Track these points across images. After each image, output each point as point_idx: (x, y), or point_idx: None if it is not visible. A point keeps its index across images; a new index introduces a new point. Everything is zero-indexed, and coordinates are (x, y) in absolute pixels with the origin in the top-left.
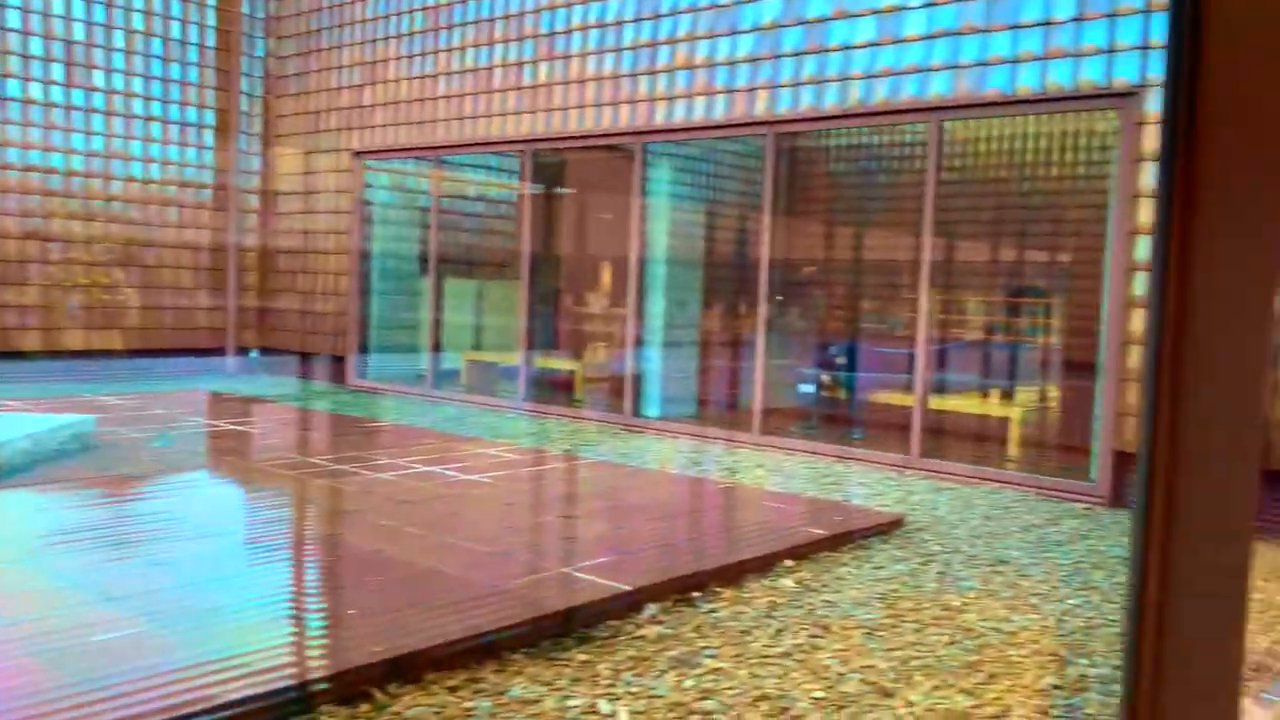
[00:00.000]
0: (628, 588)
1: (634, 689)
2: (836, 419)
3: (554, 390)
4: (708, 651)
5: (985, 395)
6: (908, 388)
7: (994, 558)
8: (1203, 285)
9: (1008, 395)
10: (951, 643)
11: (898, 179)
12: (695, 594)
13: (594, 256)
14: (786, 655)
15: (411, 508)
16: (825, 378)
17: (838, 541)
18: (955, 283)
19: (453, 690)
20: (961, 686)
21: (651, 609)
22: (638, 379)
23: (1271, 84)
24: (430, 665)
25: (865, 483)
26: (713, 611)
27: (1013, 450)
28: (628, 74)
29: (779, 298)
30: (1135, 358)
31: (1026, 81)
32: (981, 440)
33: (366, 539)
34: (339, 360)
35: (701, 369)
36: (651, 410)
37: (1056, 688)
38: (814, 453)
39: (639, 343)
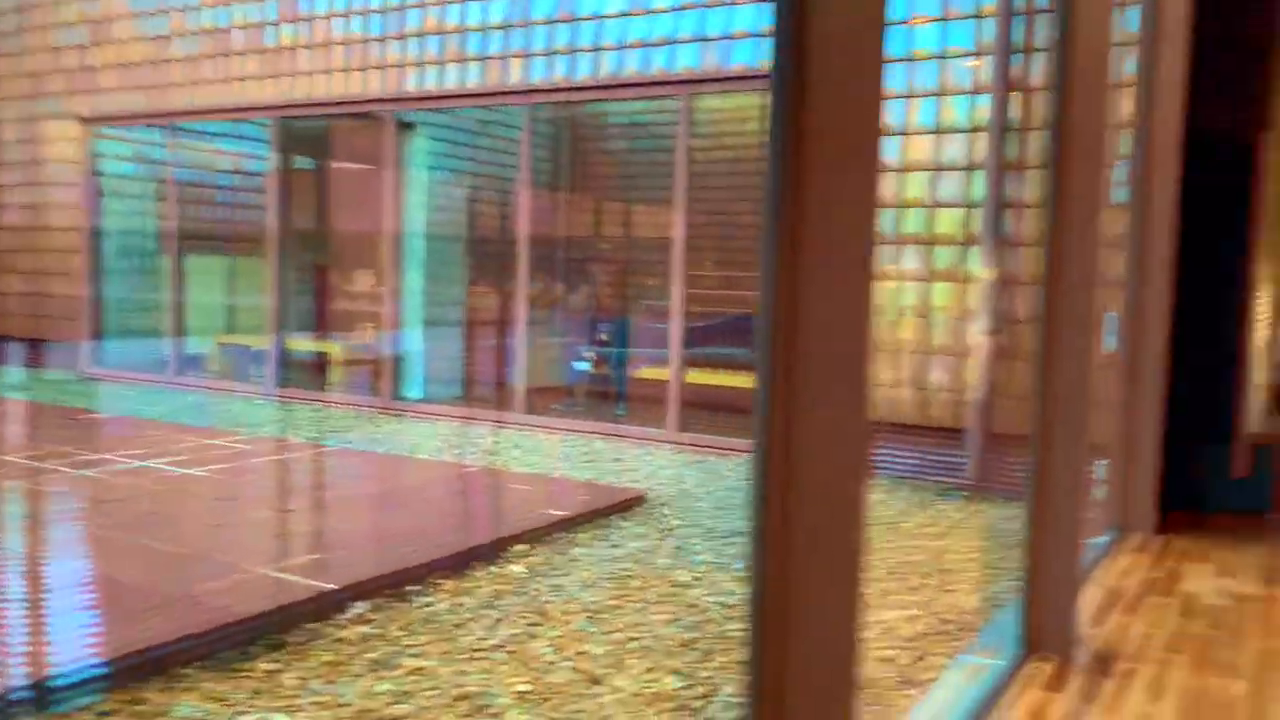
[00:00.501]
0: (334, 586)
1: (321, 698)
2: (603, 396)
3: (308, 374)
4: (412, 650)
5: (747, 368)
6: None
7: (731, 530)
8: (810, 273)
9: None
10: (673, 621)
11: (675, 155)
12: (413, 588)
13: (353, 232)
14: (499, 647)
15: (111, 508)
16: (593, 355)
17: (577, 522)
18: (724, 259)
19: (103, 715)
20: (674, 667)
21: (359, 607)
22: (398, 360)
23: (860, 98)
24: (78, 689)
25: (622, 459)
26: (428, 606)
27: None
28: (376, 38)
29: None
30: (882, 330)
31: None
32: (738, 412)
33: (45, 546)
34: (66, 346)
35: (467, 348)
36: (413, 392)
37: None
38: (577, 431)
39: (400, 322)
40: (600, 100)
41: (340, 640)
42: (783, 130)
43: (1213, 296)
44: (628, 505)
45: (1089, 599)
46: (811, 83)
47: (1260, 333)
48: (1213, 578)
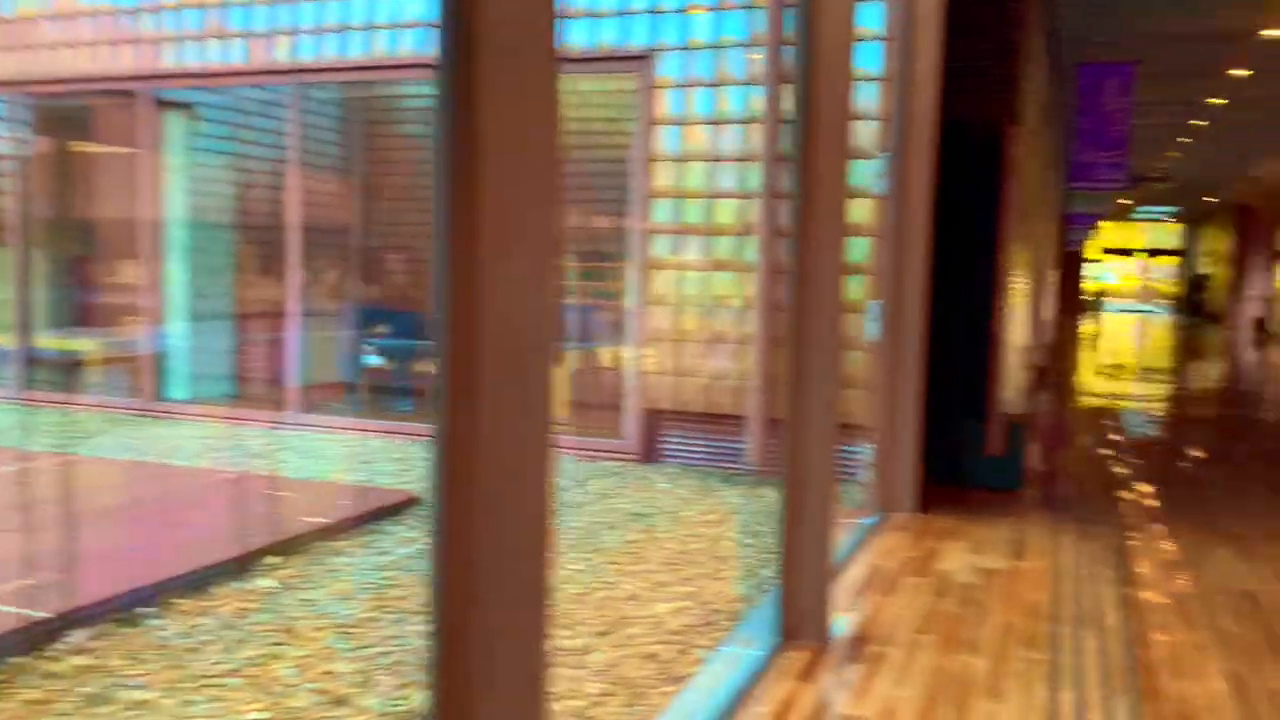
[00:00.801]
0: (47, 614)
1: None
2: (388, 391)
3: (61, 374)
4: (135, 681)
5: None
6: None
7: None
8: (486, 264)
9: (557, 358)
10: None
11: None
12: (144, 610)
13: (117, 220)
14: (235, 672)
15: None
16: (378, 348)
17: (340, 529)
18: None
19: None
20: (428, 682)
21: (78, 636)
22: (161, 357)
23: (534, 88)
24: None
25: (402, 458)
26: (160, 630)
27: (560, 412)
28: (129, 10)
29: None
30: (660, 318)
31: None
32: None
33: None
34: None
35: (240, 343)
36: (178, 392)
37: None
38: (357, 430)
39: (165, 316)
40: (374, 81)
41: (51, 675)
42: (452, 121)
43: (969, 283)
44: (399, 508)
45: (849, 582)
46: (480, 73)
47: (1015, 317)
48: (966, 555)
